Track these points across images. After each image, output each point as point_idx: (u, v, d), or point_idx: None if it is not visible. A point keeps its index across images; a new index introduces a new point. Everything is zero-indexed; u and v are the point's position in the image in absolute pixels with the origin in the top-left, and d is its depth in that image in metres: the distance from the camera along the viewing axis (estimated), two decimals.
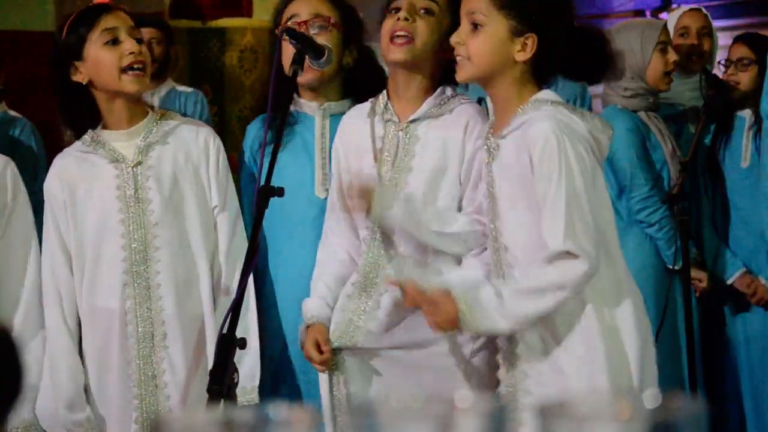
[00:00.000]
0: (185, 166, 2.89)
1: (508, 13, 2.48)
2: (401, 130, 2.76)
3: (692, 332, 3.95)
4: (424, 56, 2.72)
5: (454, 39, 2.54)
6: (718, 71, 4.52)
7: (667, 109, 4.37)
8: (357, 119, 2.84)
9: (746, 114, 4.30)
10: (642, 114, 4.18)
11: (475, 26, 2.50)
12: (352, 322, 2.75)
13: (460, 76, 2.57)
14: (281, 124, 2.66)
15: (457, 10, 2.70)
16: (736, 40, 4.44)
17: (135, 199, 2.85)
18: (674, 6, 6.70)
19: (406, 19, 2.71)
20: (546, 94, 2.52)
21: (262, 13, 6.66)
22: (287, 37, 2.71)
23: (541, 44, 2.48)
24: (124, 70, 2.81)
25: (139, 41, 2.85)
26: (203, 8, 6.43)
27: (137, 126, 2.89)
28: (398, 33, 2.71)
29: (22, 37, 5.92)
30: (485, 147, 2.59)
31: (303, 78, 2.92)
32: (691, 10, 4.67)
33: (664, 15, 6.53)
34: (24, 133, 4.71)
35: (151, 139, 2.88)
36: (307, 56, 2.69)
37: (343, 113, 2.97)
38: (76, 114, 2.91)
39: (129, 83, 2.82)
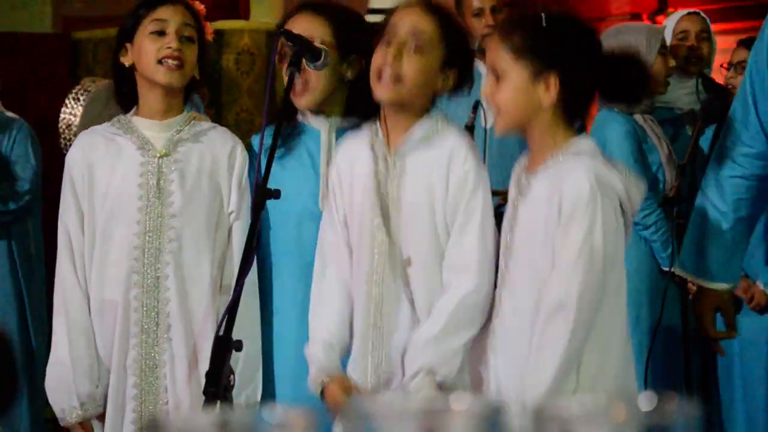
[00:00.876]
0: (209, 168, 2.93)
1: (526, 59, 2.47)
2: (390, 162, 2.74)
3: (688, 335, 3.95)
4: (411, 95, 2.69)
5: (483, 93, 2.57)
6: (719, 75, 4.53)
7: (665, 113, 4.37)
8: (354, 150, 2.81)
9: None
10: (638, 117, 4.18)
11: (497, 77, 2.51)
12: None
13: (497, 130, 2.60)
14: (277, 133, 2.65)
15: (453, 39, 2.69)
16: (740, 44, 4.45)
17: (157, 189, 2.88)
18: (671, 9, 6.71)
19: (395, 57, 2.66)
20: (584, 141, 2.52)
21: (259, 16, 6.67)
22: (284, 39, 2.71)
23: (566, 82, 2.47)
24: (160, 61, 2.86)
25: (188, 39, 2.90)
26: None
27: (171, 120, 2.94)
28: (385, 74, 2.67)
29: (19, 38, 5.92)
30: (514, 184, 2.59)
31: (299, 102, 2.92)
32: (690, 14, 4.68)
33: (661, 18, 6.54)
34: (20, 134, 4.71)
35: (182, 135, 2.93)
36: (304, 58, 2.69)
37: (348, 129, 2.93)
38: (123, 92, 2.99)
39: (162, 74, 2.87)
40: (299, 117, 3.00)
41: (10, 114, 4.78)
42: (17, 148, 4.72)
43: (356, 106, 2.94)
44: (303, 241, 2.94)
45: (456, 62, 2.72)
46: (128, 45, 2.92)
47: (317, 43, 2.84)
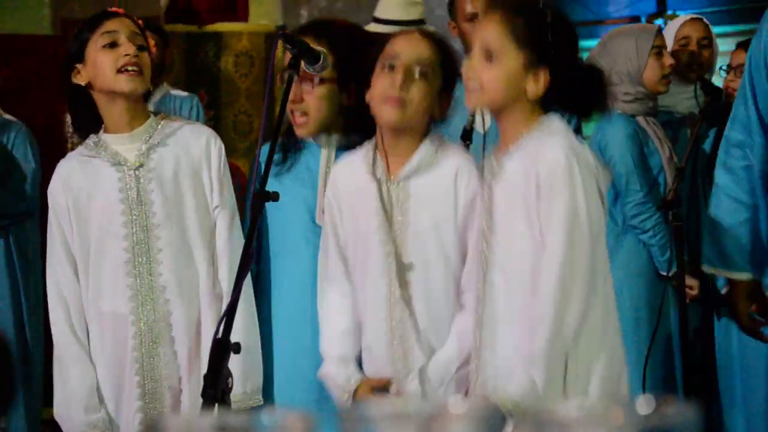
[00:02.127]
0: (186, 168, 2.91)
1: (523, 46, 2.47)
2: (393, 188, 2.75)
3: (686, 338, 3.95)
4: (415, 119, 2.71)
5: (467, 70, 2.54)
6: (719, 78, 4.53)
7: (665, 116, 4.38)
8: (352, 177, 2.82)
9: None
10: (641, 119, 4.19)
11: (490, 57, 2.50)
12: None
13: (470, 103, 2.57)
14: (278, 126, 2.65)
15: (448, 66, 2.71)
16: (739, 46, 4.45)
17: (137, 201, 2.87)
18: (670, 12, 6.71)
19: (403, 83, 2.68)
20: (555, 119, 2.52)
21: (258, 18, 6.67)
22: (283, 42, 2.71)
23: (553, 78, 2.48)
24: (119, 71, 2.84)
25: (141, 47, 2.88)
26: (199, 13, 6.43)
27: (138, 129, 2.91)
28: (391, 100, 2.68)
29: (18, 40, 5.92)
30: (486, 170, 2.58)
31: (300, 131, 2.95)
32: (692, 19, 4.68)
33: (659, 21, 6.54)
34: (19, 137, 4.70)
35: (152, 141, 2.91)
36: (303, 61, 2.68)
37: (348, 147, 2.95)
38: (79, 117, 2.95)
39: (124, 82, 2.84)
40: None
41: (8, 117, 4.78)
42: (16, 151, 4.71)
43: (354, 129, 2.97)
44: (304, 256, 2.96)
45: (450, 87, 2.76)
46: (78, 66, 2.89)
47: (320, 80, 2.89)
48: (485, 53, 2.51)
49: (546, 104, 2.55)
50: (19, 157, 4.71)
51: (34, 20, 6.93)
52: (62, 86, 2.94)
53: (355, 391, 2.77)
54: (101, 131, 2.93)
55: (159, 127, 2.93)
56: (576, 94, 2.55)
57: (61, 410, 2.91)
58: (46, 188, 2.97)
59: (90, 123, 2.93)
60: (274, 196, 2.46)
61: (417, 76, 2.69)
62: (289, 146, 2.98)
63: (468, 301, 2.68)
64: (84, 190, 2.90)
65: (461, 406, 0.95)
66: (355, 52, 2.93)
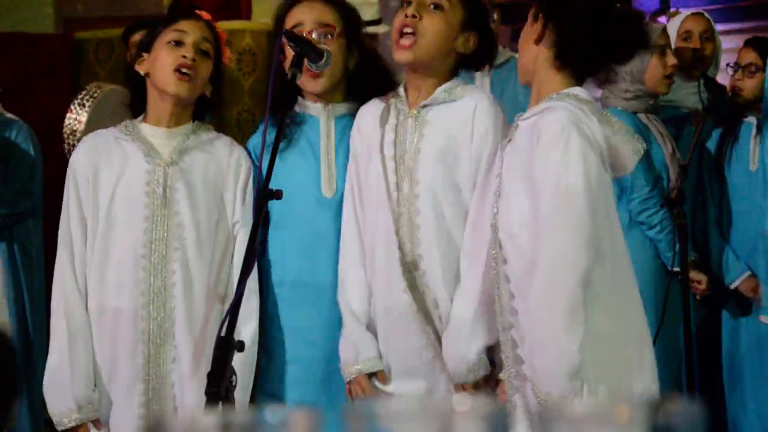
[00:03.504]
0: (213, 177, 2.95)
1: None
2: (411, 116, 2.77)
3: (690, 334, 3.95)
4: (430, 55, 2.73)
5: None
6: (725, 74, 4.53)
7: (670, 112, 4.37)
8: (374, 111, 2.87)
9: (753, 120, 4.31)
10: (642, 116, 4.18)
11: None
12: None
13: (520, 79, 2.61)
14: (280, 126, 2.67)
15: (470, 1, 2.71)
16: (746, 43, 4.44)
17: (163, 197, 2.89)
18: (673, 9, 6.70)
19: (414, 16, 2.71)
20: (577, 90, 2.51)
21: (261, 16, 6.66)
22: (286, 40, 2.72)
23: (559, 29, 2.48)
24: (175, 70, 2.88)
25: (205, 53, 2.92)
26: (202, 11, 6.42)
27: (178, 128, 2.96)
28: (404, 31, 2.71)
29: (21, 38, 5.92)
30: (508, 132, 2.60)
31: (311, 86, 2.97)
32: (693, 14, 4.68)
33: (663, 18, 6.53)
34: (20, 136, 4.70)
35: (189, 143, 2.95)
36: (306, 59, 2.69)
37: (346, 114, 3.01)
38: (136, 101, 3.01)
39: (173, 83, 2.89)
40: (297, 107, 3.02)
41: (9, 115, 4.77)
42: (18, 150, 4.71)
43: (355, 94, 3.01)
44: (313, 229, 2.98)
45: (475, 25, 2.75)
46: (145, 54, 2.94)
47: (336, 31, 2.93)
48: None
49: (576, 66, 2.51)
50: (21, 156, 4.70)
51: (36, 19, 6.93)
52: (126, 70, 3.03)
53: (354, 379, 2.80)
54: (140, 118, 2.98)
55: (197, 132, 2.98)
56: (609, 39, 2.49)
57: (57, 384, 2.87)
58: (48, 186, 2.97)
59: (142, 107, 2.99)
60: (278, 194, 2.46)
61: (431, 7, 2.70)
62: (287, 122, 2.99)
63: (467, 273, 2.69)
64: (108, 169, 2.92)
65: (467, 403, 0.94)
66: (356, 17, 3.03)
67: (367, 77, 2.99)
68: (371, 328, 2.84)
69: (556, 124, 2.39)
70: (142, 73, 2.95)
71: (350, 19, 3.01)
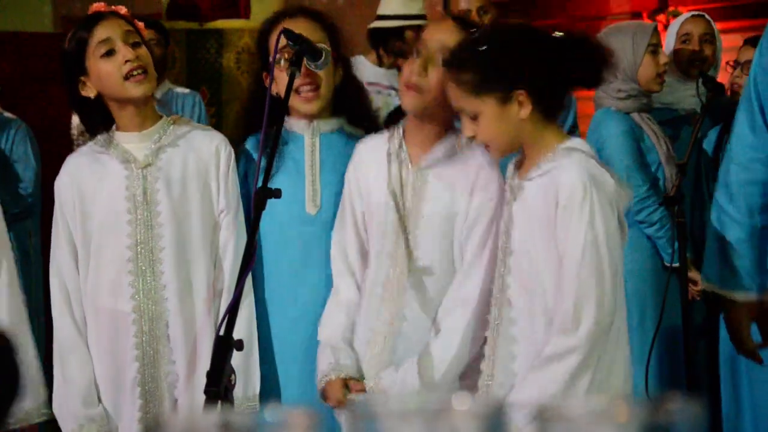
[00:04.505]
0: (194, 170, 2.92)
1: (486, 94, 2.48)
2: (413, 174, 2.77)
3: (689, 333, 3.95)
4: (435, 106, 2.70)
5: (467, 135, 2.56)
6: (726, 73, 4.53)
7: (668, 113, 4.37)
8: (374, 154, 2.85)
9: None
10: (635, 116, 4.19)
11: (473, 118, 2.52)
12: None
13: (494, 157, 2.63)
14: (278, 128, 2.66)
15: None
16: (746, 42, 4.44)
17: (143, 200, 2.88)
18: (671, 8, 6.71)
19: (421, 68, 2.69)
20: (576, 143, 2.54)
21: (259, 15, 6.66)
22: (285, 38, 2.71)
23: (535, 90, 2.48)
24: (126, 77, 2.83)
25: (137, 44, 2.87)
26: (201, 10, 6.43)
27: (150, 129, 2.92)
28: (410, 85, 2.70)
29: (19, 38, 5.92)
30: (509, 186, 2.60)
31: (305, 108, 2.97)
32: (693, 16, 4.68)
33: (661, 17, 6.54)
34: (19, 135, 4.71)
35: (162, 142, 2.92)
36: (305, 58, 2.69)
37: (331, 131, 3.02)
38: (92, 122, 2.95)
39: (133, 88, 2.84)
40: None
41: (8, 114, 4.78)
42: (17, 150, 4.71)
43: (341, 111, 3.02)
44: (294, 246, 2.98)
45: None
46: (83, 78, 2.88)
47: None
48: (467, 115, 2.53)
49: (554, 111, 2.55)
50: (19, 155, 4.71)
51: (35, 18, 6.93)
52: (68, 96, 2.93)
53: (326, 384, 2.80)
54: (113, 128, 2.94)
55: (170, 128, 2.94)
56: (574, 71, 2.53)
57: (60, 404, 2.91)
58: (47, 186, 2.98)
59: (103, 124, 2.94)
60: (276, 193, 2.46)
61: (438, 63, 2.68)
62: (273, 139, 2.99)
63: (451, 311, 2.70)
64: (91, 185, 2.91)
65: (466, 402, 0.94)
66: (340, 36, 3.01)
67: (349, 91, 3.00)
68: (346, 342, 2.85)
69: (578, 182, 2.42)
70: (92, 96, 2.88)
71: (335, 36, 3.00)
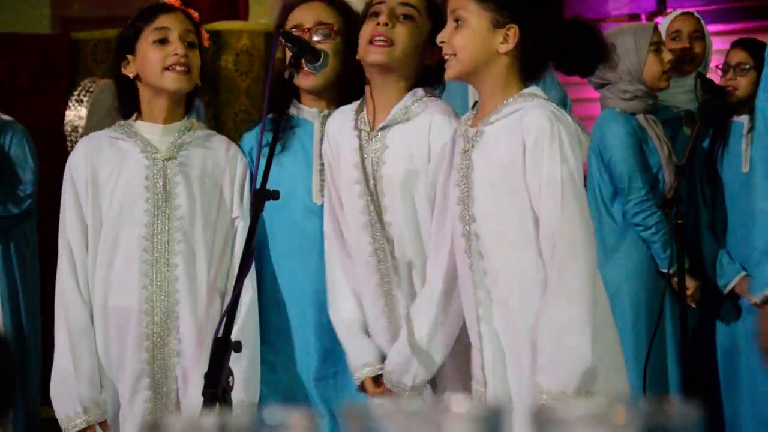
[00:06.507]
0: (210, 171, 2.96)
1: (487, 6, 2.49)
2: (372, 138, 2.78)
3: (686, 337, 3.95)
4: (402, 60, 2.74)
5: (439, 38, 2.55)
6: (715, 76, 4.53)
7: (662, 113, 4.38)
8: (342, 123, 2.87)
9: (743, 119, 4.31)
10: (640, 117, 4.19)
11: (458, 23, 2.52)
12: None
13: (448, 74, 2.57)
14: (276, 128, 2.67)
15: (438, 15, 2.72)
16: (735, 45, 4.45)
17: (163, 191, 2.90)
18: (669, 10, 6.72)
19: (386, 25, 2.73)
20: (535, 89, 2.53)
21: (258, 17, 6.67)
22: (284, 41, 2.72)
23: (525, 36, 2.49)
24: (166, 68, 2.87)
25: (191, 44, 2.93)
26: (199, 11, 6.42)
27: (173, 124, 2.96)
28: (377, 38, 2.73)
29: (18, 39, 5.92)
30: (462, 135, 2.58)
31: (306, 82, 2.96)
32: (682, 14, 4.69)
33: (659, 19, 6.55)
34: (16, 137, 4.70)
35: (185, 138, 2.96)
36: (303, 60, 2.70)
37: None
38: (125, 104, 3.00)
39: (170, 80, 2.89)
40: (292, 110, 3.02)
41: (5, 117, 4.77)
42: (15, 151, 4.71)
43: (349, 100, 2.98)
44: (303, 236, 2.98)
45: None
46: (130, 56, 2.93)
47: (333, 30, 2.94)
48: (454, 21, 2.53)
49: (531, 72, 2.55)
50: (17, 158, 4.70)
51: (33, 19, 6.93)
52: (112, 71, 2.99)
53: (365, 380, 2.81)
54: (133, 117, 2.97)
55: (192, 128, 2.98)
56: (568, 53, 2.54)
57: (60, 389, 2.88)
58: (45, 188, 2.97)
59: (132, 108, 2.98)
60: (275, 195, 2.46)
61: (401, 18, 2.73)
62: (281, 125, 2.99)
63: (432, 274, 2.69)
64: (105, 169, 2.92)
65: (463, 404, 0.95)
66: (355, 19, 2.99)
67: (361, 80, 2.99)
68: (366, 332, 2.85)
69: (545, 122, 2.42)
70: (131, 75, 2.94)
71: (350, 20, 3.00)
